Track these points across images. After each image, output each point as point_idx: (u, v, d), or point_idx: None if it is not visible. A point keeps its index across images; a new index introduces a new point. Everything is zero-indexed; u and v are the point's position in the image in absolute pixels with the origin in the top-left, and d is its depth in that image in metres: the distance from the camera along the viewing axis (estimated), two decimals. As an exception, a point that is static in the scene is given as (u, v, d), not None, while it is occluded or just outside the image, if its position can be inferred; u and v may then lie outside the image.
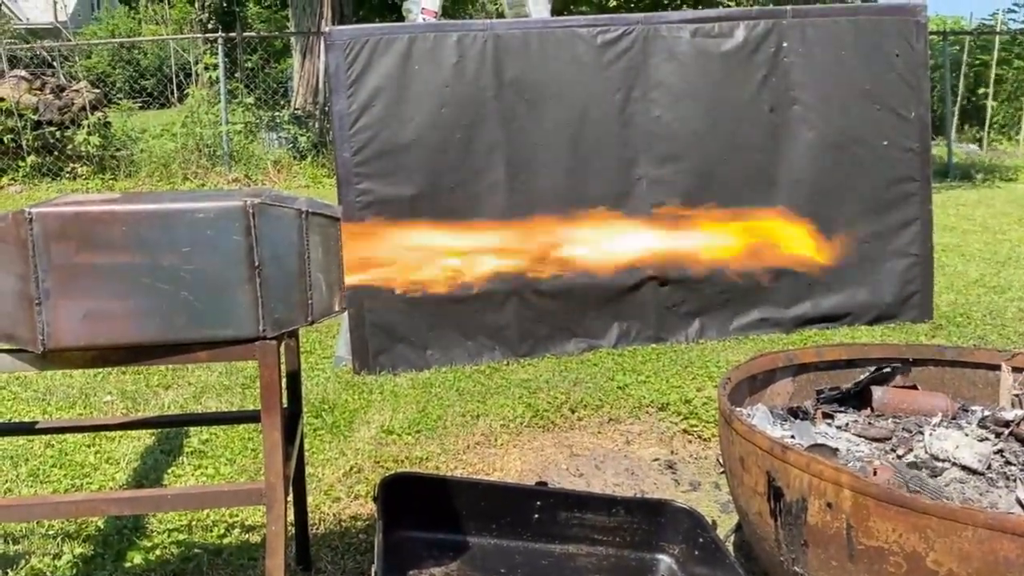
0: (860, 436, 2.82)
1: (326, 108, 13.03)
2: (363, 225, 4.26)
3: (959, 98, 15.07)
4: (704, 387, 4.21)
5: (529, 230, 4.99)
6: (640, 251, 5.01)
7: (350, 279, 4.39)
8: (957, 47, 15.25)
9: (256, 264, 1.97)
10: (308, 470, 3.37)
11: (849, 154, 4.97)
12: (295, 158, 12.55)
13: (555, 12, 5.38)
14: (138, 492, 2.48)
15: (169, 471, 3.43)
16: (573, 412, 3.96)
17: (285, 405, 2.59)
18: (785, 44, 4.86)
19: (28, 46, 13.54)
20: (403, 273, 4.72)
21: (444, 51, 4.57)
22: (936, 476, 2.51)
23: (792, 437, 2.75)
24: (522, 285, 4.75)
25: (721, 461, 2.79)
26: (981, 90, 15.90)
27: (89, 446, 3.59)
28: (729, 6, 13.04)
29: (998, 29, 15.99)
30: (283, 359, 2.55)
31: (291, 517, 2.69)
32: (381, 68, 4.52)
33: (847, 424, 2.93)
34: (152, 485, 3.29)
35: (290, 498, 2.73)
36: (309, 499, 3.13)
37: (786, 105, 4.90)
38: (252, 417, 2.72)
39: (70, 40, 17.09)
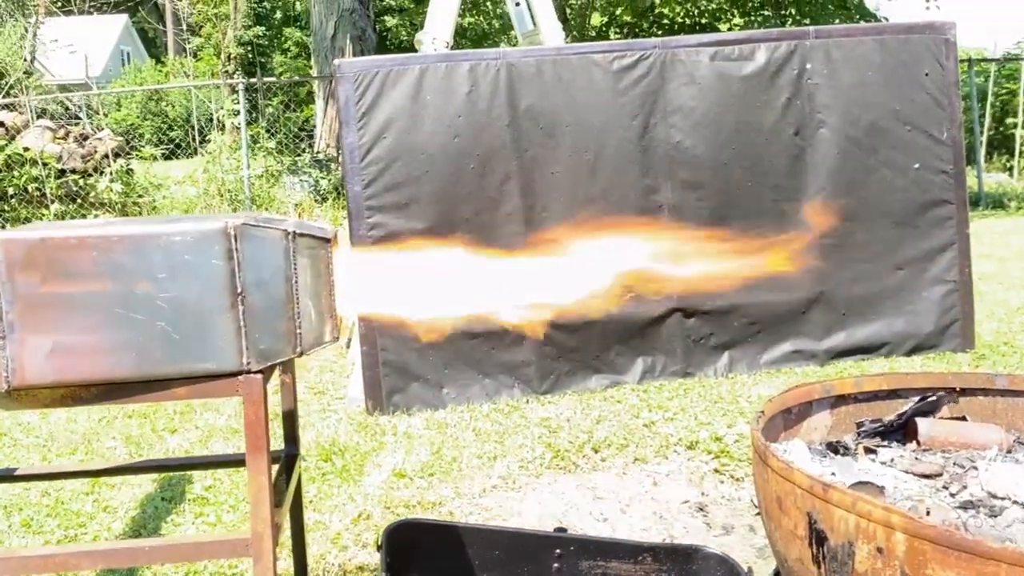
0: (908, 472, 2.58)
1: (347, 151, 13.03)
2: (375, 258, 4.13)
3: (987, 127, 14.79)
4: (735, 423, 3.98)
5: (547, 261, 4.84)
6: (664, 281, 4.84)
7: (363, 315, 4.16)
8: (983, 77, 15.01)
9: (239, 291, 1.80)
10: (315, 517, 3.17)
11: (879, 178, 4.76)
12: (317, 201, 12.53)
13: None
14: (114, 544, 2.30)
15: (169, 519, 3.24)
16: (596, 452, 3.74)
17: (282, 446, 2.42)
18: (809, 66, 4.69)
19: (50, 96, 13.71)
20: (417, 309, 4.56)
21: (456, 81, 4.45)
22: (995, 516, 2.27)
23: (833, 474, 2.53)
24: (541, 319, 4.56)
25: (756, 502, 2.56)
26: (1009, 120, 15.62)
27: (87, 494, 3.43)
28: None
29: (1024, 56, 15.77)
30: (278, 395, 2.38)
31: (291, 567, 2.49)
32: (392, 100, 4.41)
33: (892, 459, 2.69)
34: (150, 534, 3.11)
35: (289, 547, 2.55)
36: (315, 548, 2.93)
37: (812, 128, 4.72)
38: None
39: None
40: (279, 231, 1.83)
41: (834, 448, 2.79)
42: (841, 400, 2.99)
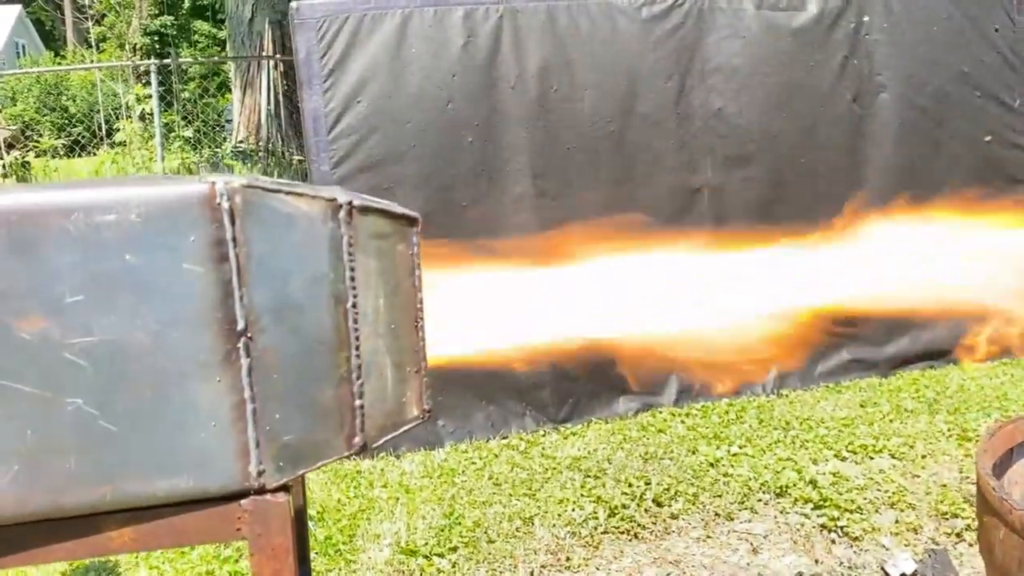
0: None
1: (270, 146, 11.94)
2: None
3: None
4: (820, 457, 3.16)
5: (563, 256, 3.94)
6: (703, 279, 4.00)
7: None
8: None
9: (240, 325, 0.85)
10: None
11: (948, 153, 4.02)
12: (240, 196, 11.37)
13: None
14: None
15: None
16: (661, 506, 2.86)
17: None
18: (867, 18, 3.90)
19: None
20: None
21: (449, 31, 3.50)
22: None
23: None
24: (557, 329, 3.66)
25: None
26: None
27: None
28: None
29: None
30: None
31: None
32: (367, 53, 3.43)
33: None
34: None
35: None
36: None
37: (871, 94, 3.94)
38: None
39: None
40: (320, 202, 0.88)
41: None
42: (1041, 440, 2.18)
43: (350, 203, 0.90)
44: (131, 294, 0.84)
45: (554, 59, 3.61)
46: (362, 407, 0.93)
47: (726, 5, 3.76)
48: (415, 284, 0.95)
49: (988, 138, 4.05)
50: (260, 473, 0.89)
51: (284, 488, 0.91)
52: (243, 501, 0.90)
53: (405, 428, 1.00)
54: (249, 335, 0.87)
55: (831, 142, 3.91)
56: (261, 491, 0.90)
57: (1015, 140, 4.10)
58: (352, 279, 0.90)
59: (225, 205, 0.85)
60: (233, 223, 0.85)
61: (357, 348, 0.91)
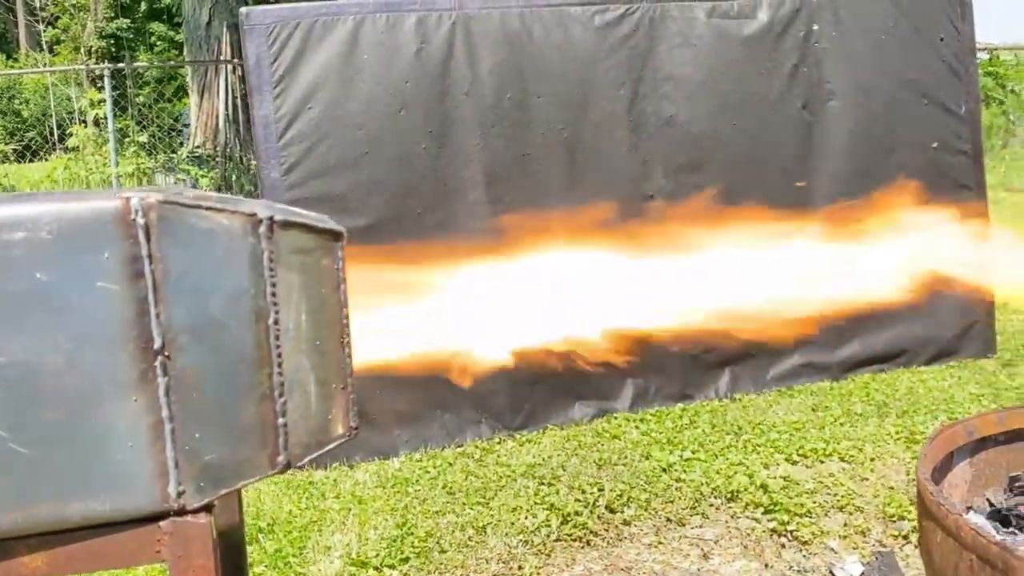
0: None
1: (227, 150, 11.82)
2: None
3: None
4: (772, 462, 3.19)
5: (517, 262, 3.93)
6: (658, 283, 4.02)
7: None
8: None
9: (157, 344, 0.84)
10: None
11: (896, 160, 4.08)
12: (197, 201, 11.22)
13: None
14: None
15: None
16: (614, 512, 2.87)
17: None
18: (816, 27, 3.96)
19: None
20: (357, 329, 3.58)
21: (401, 37, 3.49)
22: None
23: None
24: (512, 335, 3.66)
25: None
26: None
27: None
28: None
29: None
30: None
31: None
32: (318, 59, 3.41)
33: (1091, 533, 1.92)
34: None
35: None
36: None
37: (820, 101, 3.99)
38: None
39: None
40: (240, 217, 0.87)
41: (1004, 518, 2.01)
42: (980, 444, 2.22)
43: (271, 218, 0.88)
44: (42, 313, 0.82)
45: (508, 66, 3.61)
46: (285, 425, 0.91)
47: (678, 14, 3.80)
48: (340, 299, 0.94)
49: (934, 145, 4.13)
50: (180, 494, 0.87)
51: (206, 508, 0.89)
52: (163, 523, 0.88)
53: (331, 446, 0.99)
54: (166, 353, 0.85)
55: (781, 149, 3.96)
56: (181, 512, 0.88)
57: (960, 147, 4.18)
58: (273, 295, 0.89)
59: (140, 221, 0.83)
60: (148, 239, 0.83)
61: (279, 365, 0.90)
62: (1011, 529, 1.97)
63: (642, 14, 3.75)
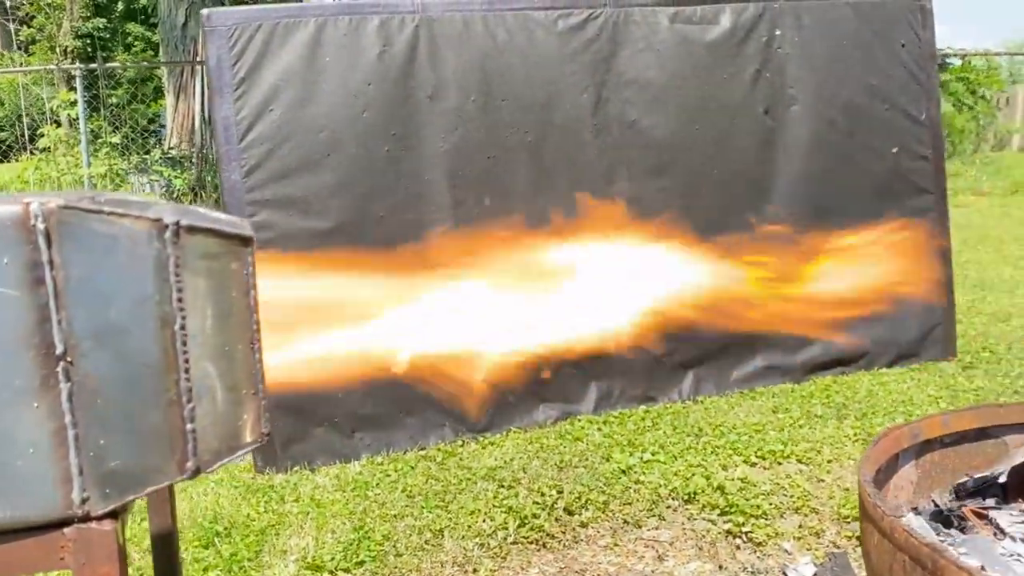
0: (1070, 556, 1.85)
1: (203, 151, 11.76)
2: (261, 269, 3.12)
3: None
4: (731, 464, 3.21)
5: (481, 265, 3.93)
6: (622, 285, 4.03)
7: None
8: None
9: (59, 350, 0.83)
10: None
11: (857, 165, 4.13)
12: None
13: None
14: None
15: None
16: (572, 515, 2.88)
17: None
18: (778, 32, 4.00)
19: None
20: (318, 332, 3.57)
21: (364, 39, 3.49)
22: None
23: (983, 570, 1.76)
24: (476, 338, 3.67)
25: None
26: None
27: None
28: None
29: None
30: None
31: None
32: (280, 61, 3.40)
33: (1030, 533, 1.95)
34: None
35: None
36: None
37: (783, 106, 4.03)
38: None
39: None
40: (144, 222, 0.87)
41: (946, 519, 2.04)
42: (926, 447, 2.25)
43: (177, 223, 0.88)
44: (-60, 318, 0.82)
45: (471, 69, 3.62)
46: (194, 431, 0.91)
47: (640, 18, 3.82)
48: (250, 305, 0.94)
49: (895, 150, 4.17)
50: (84, 500, 0.87)
51: (112, 515, 0.89)
52: (66, 530, 0.88)
53: (243, 451, 0.99)
54: (69, 359, 0.85)
55: (744, 154, 3.99)
56: (86, 519, 0.87)
57: (921, 152, 4.23)
58: (180, 301, 0.89)
59: (40, 226, 0.82)
60: (49, 245, 0.83)
61: (187, 371, 0.90)
62: (952, 530, 2.00)
63: (605, 19, 3.77)
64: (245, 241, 0.92)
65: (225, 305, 0.92)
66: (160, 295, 0.87)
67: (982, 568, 1.74)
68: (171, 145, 12.57)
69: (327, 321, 3.45)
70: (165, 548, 1.37)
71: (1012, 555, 1.82)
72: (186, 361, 0.89)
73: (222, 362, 0.92)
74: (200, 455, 0.91)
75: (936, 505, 2.12)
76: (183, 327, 0.88)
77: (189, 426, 0.90)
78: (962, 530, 1.99)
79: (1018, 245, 7.67)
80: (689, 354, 3.99)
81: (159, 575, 1.39)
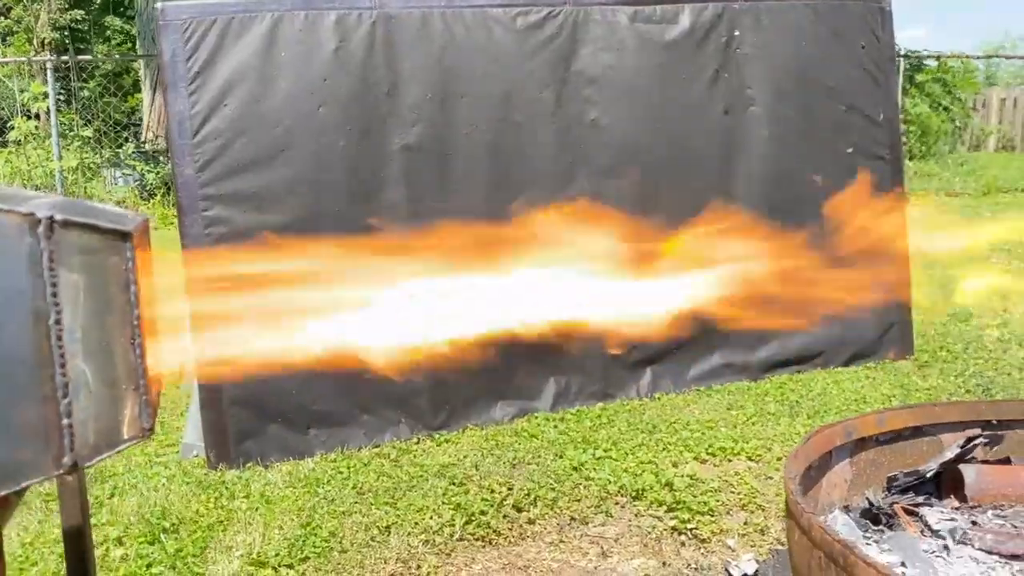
0: (991, 553, 1.88)
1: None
2: (214, 266, 3.10)
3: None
4: (681, 461, 3.24)
5: (437, 261, 3.94)
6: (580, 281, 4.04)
7: (199, 340, 2.80)
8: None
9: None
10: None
11: (814, 165, 4.16)
12: (143, 198, 11.05)
13: None
14: None
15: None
16: (520, 512, 2.89)
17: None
18: (737, 33, 4.02)
19: None
20: (273, 327, 3.56)
21: (320, 35, 3.48)
22: None
23: (903, 566, 1.79)
24: (431, 334, 3.66)
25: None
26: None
27: None
28: None
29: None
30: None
31: None
32: (235, 56, 3.39)
33: (955, 531, 1.98)
34: None
35: None
36: None
37: (741, 106, 4.05)
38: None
39: None
40: (16, 216, 0.87)
41: (874, 516, 2.07)
42: (861, 444, 2.28)
43: (51, 217, 0.88)
44: None
45: (429, 66, 3.62)
46: (71, 426, 0.91)
47: (600, 17, 3.83)
48: (131, 300, 0.94)
49: (849, 150, 4.21)
50: (-49, 495, 0.87)
51: (-15, 510, 0.89)
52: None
53: (123, 446, 0.99)
54: (-65, 354, 0.85)
55: (703, 153, 4.01)
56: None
57: (879, 152, 4.27)
58: (55, 296, 0.89)
59: (-95, 219, 0.83)
60: (-86, 238, 0.83)
61: (63, 366, 0.90)
62: (880, 527, 2.02)
63: (565, 17, 3.78)
64: (124, 236, 0.92)
65: (103, 300, 0.92)
66: (33, 290, 0.87)
67: (902, 564, 1.76)
68: (146, 139, 12.49)
69: (281, 316, 3.44)
70: (76, 544, 1.36)
71: (933, 552, 1.85)
72: (62, 356, 0.89)
73: (100, 357, 0.92)
74: (77, 450, 0.91)
75: (869, 503, 2.15)
76: (58, 322, 0.88)
77: (65, 421, 0.90)
78: (890, 527, 2.02)
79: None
80: (648, 351, 4.01)
81: (71, 572, 1.38)
